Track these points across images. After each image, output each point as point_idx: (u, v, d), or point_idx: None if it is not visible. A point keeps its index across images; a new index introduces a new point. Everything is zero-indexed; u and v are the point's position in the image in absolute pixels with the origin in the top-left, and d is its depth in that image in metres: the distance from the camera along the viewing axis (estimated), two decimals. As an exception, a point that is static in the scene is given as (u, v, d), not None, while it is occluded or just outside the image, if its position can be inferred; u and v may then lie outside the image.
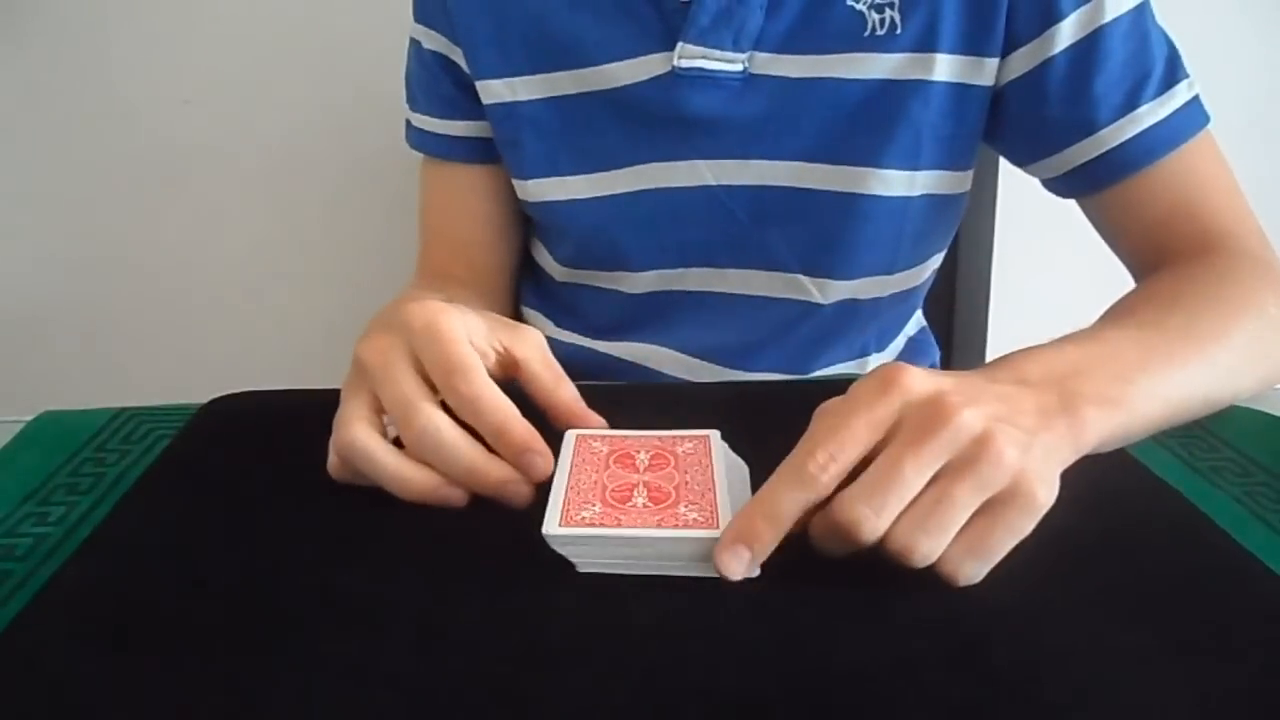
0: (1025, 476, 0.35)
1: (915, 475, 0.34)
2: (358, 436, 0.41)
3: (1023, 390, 0.39)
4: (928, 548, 0.34)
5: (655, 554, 0.37)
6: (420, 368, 0.42)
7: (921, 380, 0.37)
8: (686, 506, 0.38)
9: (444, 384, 0.42)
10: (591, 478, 0.40)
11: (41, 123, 1.35)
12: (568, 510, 0.38)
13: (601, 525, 0.37)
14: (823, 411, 0.38)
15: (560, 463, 0.41)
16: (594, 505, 0.38)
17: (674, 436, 0.44)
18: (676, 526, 0.37)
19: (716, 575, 0.36)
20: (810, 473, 0.35)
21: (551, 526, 0.37)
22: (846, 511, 0.34)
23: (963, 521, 0.35)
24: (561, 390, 0.46)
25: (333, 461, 0.43)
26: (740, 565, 0.35)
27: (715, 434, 0.44)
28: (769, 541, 0.35)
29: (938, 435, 0.35)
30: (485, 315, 0.46)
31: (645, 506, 0.38)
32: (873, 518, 0.34)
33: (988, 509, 0.35)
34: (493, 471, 0.41)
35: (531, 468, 0.41)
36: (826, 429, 0.36)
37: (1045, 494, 0.35)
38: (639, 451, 0.43)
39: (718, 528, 0.36)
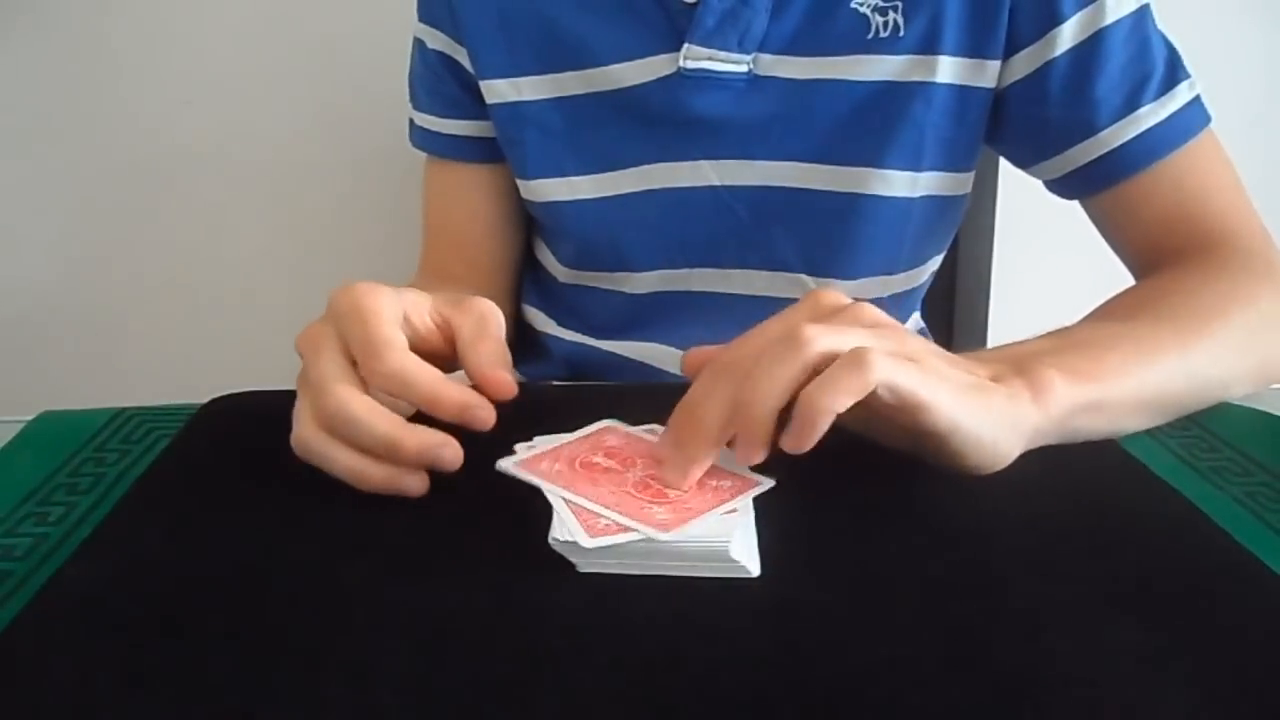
0: (876, 354, 0.35)
1: (779, 321, 0.39)
2: (306, 437, 0.41)
3: (974, 363, 0.39)
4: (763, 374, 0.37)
5: (676, 552, 0.36)
6: (348, 350, 0.41)
7: (839, 295, 0.41)
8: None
9: (365, 365, 0.40)
10: (587, 490, 0.39)
11: (42, 123, 1.35)
12: (588, 524, 0.37)
13: (634, 530, 0.36)
14: None
15: (533, 485, 0.40)
16: (611, 513, 0.37)
17: (596, 431, 0.44)
18: (704, 512, 0.37)
19: (720, 575, 0.36)
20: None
21: (585, 543, 0.36)
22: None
23: (806, 359, 0.36)
24: (479, 349, 0.42)
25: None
26: (679, 476, 0.39)
27: (612, 421, 0.45)
28: (703, 445, 0.38)
29: (832, 311, 0.39)
30: (436, 294, 0.44)
31: (659, 504, 0.38)
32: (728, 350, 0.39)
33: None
34: (410, 440, 0.39)
35: (475, 422, 0.40)
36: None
37: (885, 368, 0.35)
38: (594, 454, 0.42)
39: (755, 484, 0.39)
